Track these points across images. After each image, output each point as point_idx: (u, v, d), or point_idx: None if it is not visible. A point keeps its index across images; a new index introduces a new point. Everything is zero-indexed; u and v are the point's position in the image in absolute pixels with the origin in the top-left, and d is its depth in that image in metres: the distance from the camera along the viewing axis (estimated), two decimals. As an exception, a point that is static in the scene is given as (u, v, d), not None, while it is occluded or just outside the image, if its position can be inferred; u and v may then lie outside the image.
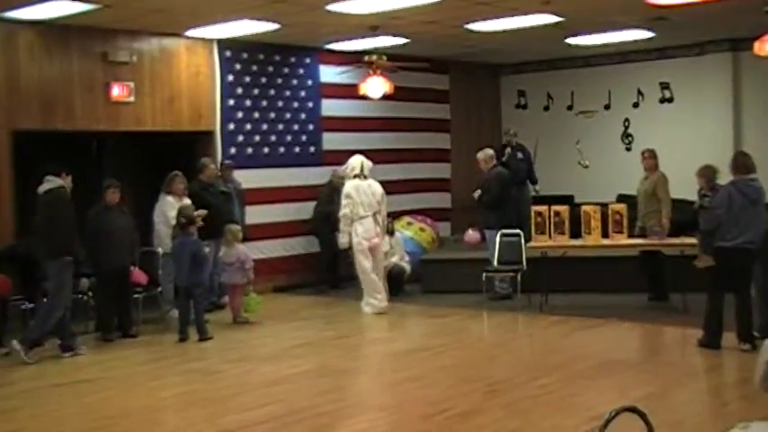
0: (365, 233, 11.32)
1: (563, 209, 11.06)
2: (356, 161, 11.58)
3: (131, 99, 11.68)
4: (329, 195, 12.70)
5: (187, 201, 10.77)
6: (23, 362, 8.82)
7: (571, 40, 13.76)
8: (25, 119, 10.77)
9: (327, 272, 13.17)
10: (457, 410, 6.80)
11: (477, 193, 11.91)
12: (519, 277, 11.27)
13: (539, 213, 11.07)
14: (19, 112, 10.72)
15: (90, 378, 8.30)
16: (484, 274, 11.59)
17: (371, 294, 11.37)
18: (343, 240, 11.44)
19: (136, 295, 10.44)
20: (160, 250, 10.79)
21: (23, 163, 10.49)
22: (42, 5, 9.86)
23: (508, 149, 13.36)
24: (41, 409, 7.31)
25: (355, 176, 11.45)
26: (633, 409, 3.60)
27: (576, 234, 11.05)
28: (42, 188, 9.03)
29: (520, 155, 13.46)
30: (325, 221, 12.55)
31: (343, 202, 11.34)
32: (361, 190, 11.38)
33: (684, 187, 10.88)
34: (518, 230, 11.69)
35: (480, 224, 12.31)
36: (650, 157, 11.17)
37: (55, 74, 11.03)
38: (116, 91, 11.53)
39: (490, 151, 12.19)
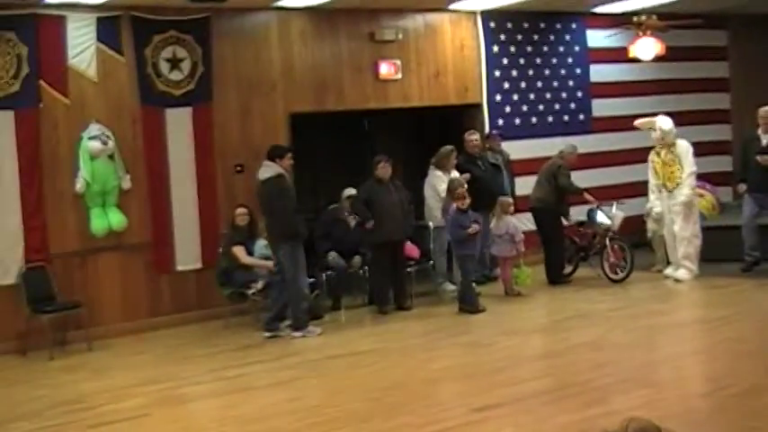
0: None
1: None
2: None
3: (398, 76, 11.92)
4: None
5: (455, 174, 10.83)
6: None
7: None
8: (300, 101, 11.27)
9: None
10: (739, 387, 6.38)
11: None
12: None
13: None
14: (294, 96, 11.23)
15: (366, 350, 8.58)
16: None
17: (696, 259, 11.03)
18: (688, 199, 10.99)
19: (409, 269, 10.67)
20: (431, 224, 10.95)
21: (299, 143, 10.99)
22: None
23: None
24: (321, 380, 7.66)
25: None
26: None
27: None
28: (260, 175, 9.32)
29: None
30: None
31: (692, 159, 10.99)
32: None
33: None
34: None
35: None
36: None
37: (326, 57, 11.45)
38: (384, 69, 11.80)
39: None
